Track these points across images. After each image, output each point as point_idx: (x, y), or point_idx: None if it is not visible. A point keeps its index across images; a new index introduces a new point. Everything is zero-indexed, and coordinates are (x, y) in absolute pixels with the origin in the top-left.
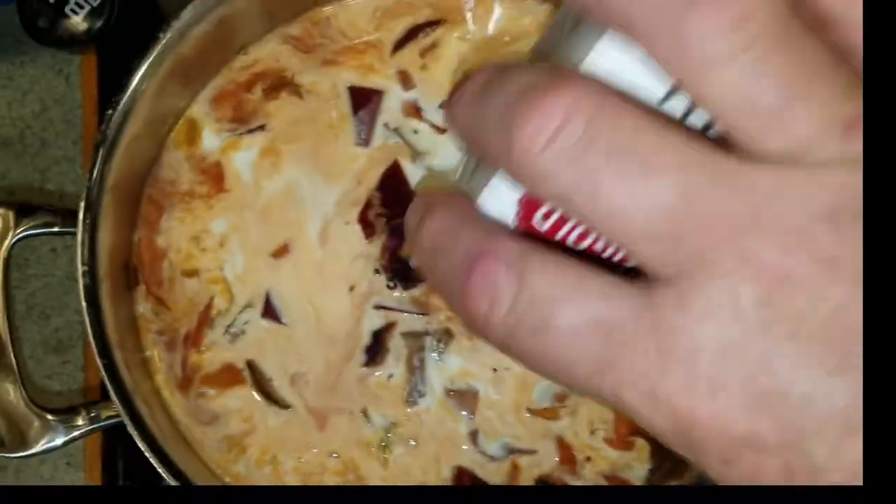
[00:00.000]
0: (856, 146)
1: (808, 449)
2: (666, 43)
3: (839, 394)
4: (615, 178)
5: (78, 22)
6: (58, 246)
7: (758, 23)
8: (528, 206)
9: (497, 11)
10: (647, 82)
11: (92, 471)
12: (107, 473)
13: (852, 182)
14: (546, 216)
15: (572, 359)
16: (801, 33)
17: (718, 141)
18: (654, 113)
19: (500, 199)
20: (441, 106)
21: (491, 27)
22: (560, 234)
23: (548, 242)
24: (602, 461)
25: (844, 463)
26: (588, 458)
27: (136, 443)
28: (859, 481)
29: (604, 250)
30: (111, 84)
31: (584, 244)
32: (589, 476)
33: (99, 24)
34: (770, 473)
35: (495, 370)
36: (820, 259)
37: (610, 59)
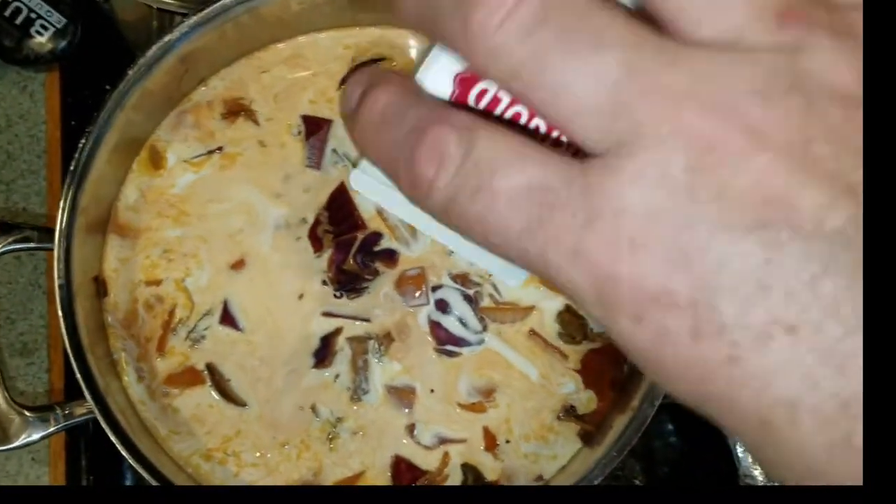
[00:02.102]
0: (787, 35)
1: (718, 306)
2: None
3: (753, 253)
4: (564, 55)
5: (42, 42)
6: (22, 254)
7: None
8: (464, 83)
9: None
10: None
11: (56, 466)
12: (70, 469)
13: (783, 62)
14: (479, 96)
15: (507, 219)
16: None
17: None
18: None
19: (439, 75)
20: None
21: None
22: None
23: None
24: (518, 454)
25: (751, 322)
26: (507, 441)
27: (98, 440)
28: (765, 343)
29: (534, 133)
30: (74, 101)
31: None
32: (509, 460)
33: (63, 44)
34: (678, 332)
35: (432, 388)
36: (747, 129)
37: None
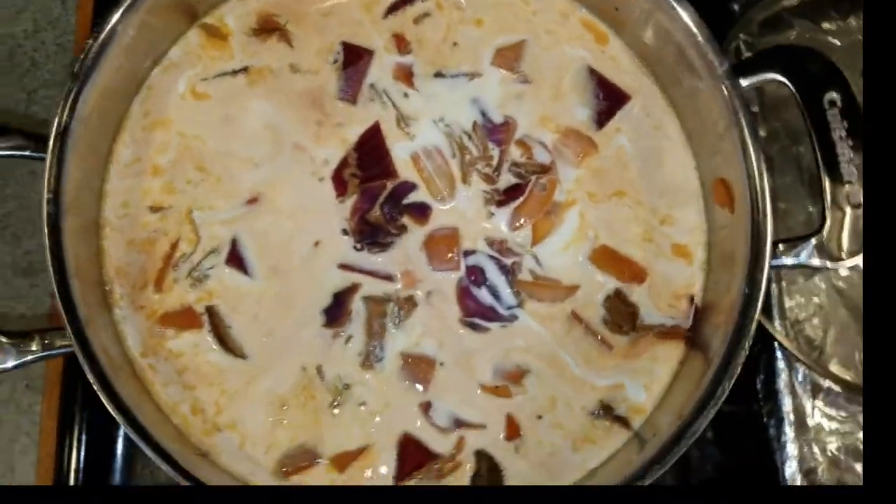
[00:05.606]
0: None
1: None
2: None
3: None
4: None
5: None
6: (38, 169)
7: None
8: None
9: None
10: None
11: (50, 395)
12: (64, 399)
13: None
14: None
15: None
16: None
17: None
18: None
19: None
20: None
21: None
22: None
23: None
24: (547, 445)
25: None
26: (539, 417)
27: None
28: None
29: None
30: (109, 9)
31: None
32: (531, 454)
33: None
34: None
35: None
36: None
37: None
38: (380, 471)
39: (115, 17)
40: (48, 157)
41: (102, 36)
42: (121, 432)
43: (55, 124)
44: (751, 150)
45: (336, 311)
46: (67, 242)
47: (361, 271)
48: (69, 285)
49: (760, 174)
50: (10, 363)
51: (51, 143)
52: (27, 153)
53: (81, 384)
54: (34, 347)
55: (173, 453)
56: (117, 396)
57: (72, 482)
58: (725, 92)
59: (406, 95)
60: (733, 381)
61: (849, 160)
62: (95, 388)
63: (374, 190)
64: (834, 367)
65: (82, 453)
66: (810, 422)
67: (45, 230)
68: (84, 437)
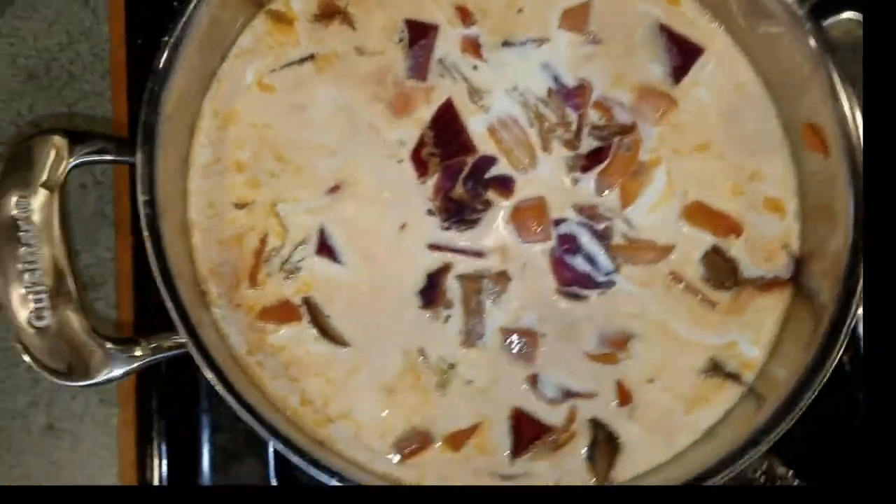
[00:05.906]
0: None
1: None
2: None
3: None
4: None
5: None
6: (87, 182)
7: None
8: None
9: None
10: None
11: (126, 407)
12: (141, 410)
13: None
14: None
15: None
16: None
17: None
18: None
19: None
20: None
21: None
22: None
23: None
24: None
25: None
26: (651, 380)
27: (171, 380)
28: None
29: None
30: (141, 18)
31: None
32: (644, 419)
33: None
34: None
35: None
36: None
37: None
38: (495, 446)
39: (187, 13)
40: (138, 156)
41: (176, 33)
42: (205, 438)
43: (141, 124)
44: (840, 91)
45: (431, 293)
46: (167, 244)
47: (452, 250)
48: (176, 287)
49: (854, 114)
50: (120, 371)
51: (139, 142)
52: (108, 157)
53: (157, 393)
54: (138, 353)
55: (302, 445)
56: (238, 394)
57: None
58: (809, 35)
59: (475, 68)
60: (852, 327)
61: None
62: (218, 387)
63: (455, 167)
64: None
65: (164, 462)
66: None
67: (146, 233)
68: (164, 447)
